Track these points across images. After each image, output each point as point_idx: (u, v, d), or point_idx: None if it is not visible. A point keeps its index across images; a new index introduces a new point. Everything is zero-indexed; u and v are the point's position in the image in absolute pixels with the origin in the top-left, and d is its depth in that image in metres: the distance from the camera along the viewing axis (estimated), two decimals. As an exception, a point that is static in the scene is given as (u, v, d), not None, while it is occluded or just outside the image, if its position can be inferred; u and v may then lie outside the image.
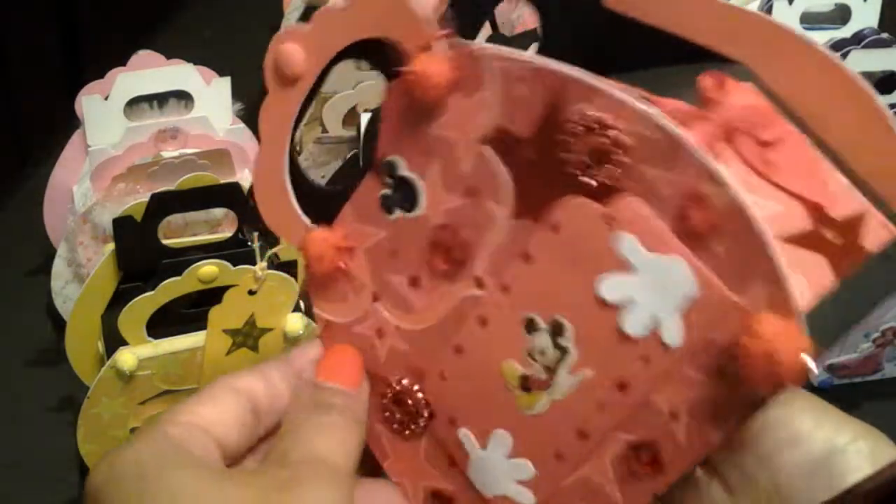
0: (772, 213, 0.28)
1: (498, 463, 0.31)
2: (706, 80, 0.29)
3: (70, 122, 0.64)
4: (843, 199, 0.28)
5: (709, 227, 0.26)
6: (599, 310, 0.28)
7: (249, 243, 0.56)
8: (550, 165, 0.28)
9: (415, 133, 0.31)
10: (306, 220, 0.34)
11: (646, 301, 0.27)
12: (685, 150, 0.26)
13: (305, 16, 0.81)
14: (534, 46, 0.75)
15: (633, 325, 0.28)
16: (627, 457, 0.29)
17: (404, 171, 0.31)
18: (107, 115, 0.62)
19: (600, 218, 0.27)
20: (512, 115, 0.29)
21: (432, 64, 0.29)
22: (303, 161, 0.69)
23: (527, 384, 0.30)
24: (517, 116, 0.29)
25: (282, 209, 0.34)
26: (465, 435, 0.32)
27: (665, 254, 0.27)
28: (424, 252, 0.32)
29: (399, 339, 0.33)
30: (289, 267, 0.57)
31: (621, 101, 0.27)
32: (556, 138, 0.28)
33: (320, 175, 0.69)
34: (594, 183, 0.28)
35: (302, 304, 0.58)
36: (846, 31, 0.76)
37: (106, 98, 0.61)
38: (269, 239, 0.57)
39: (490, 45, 0.28)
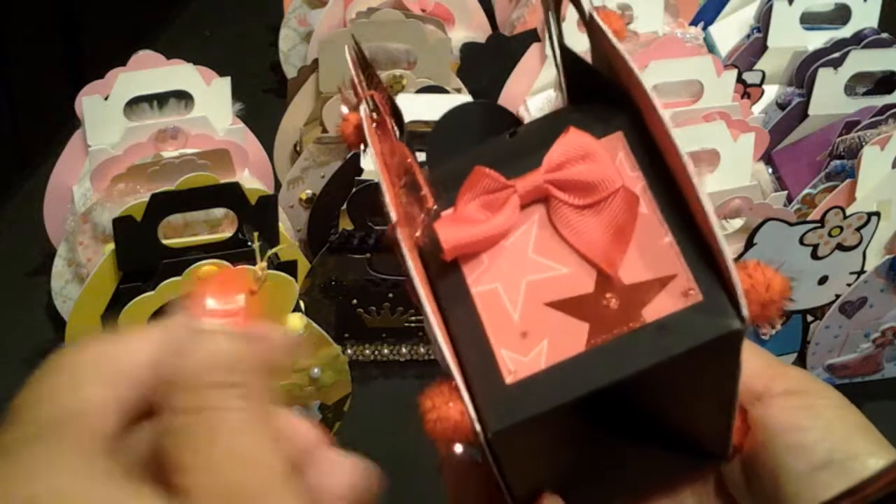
0: (553, 276, 0.30)
1: None
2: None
3: (70, 122, 0.64)
4: (645, 264, 0.29)
5: None
6: None
7: (249, 243, 0.56)
8: None
9: None
10: None
11: None
12: None
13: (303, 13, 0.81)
14: (534, 46, 0.75)
15: None
16: None
17: None
18: (107, 115, 0.62)
19: None
20: None
21: (347, 123, 0.33)
22: (303, 161, 0.69)
23: None
24: None
25: None
26: None
27: None
28: None
29: None
30: (289, 267, 0.57)
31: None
32: None
33: (320, 175, 0.69)
34: None
35: (302, 304, 0.58)
36: (846, 31, 0.76)
37: (106, 98, 0.61)
38: (270, 239, 0.57)
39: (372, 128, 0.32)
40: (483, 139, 0.33)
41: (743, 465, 0.33)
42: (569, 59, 0.33)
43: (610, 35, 0.30)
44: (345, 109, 0.33)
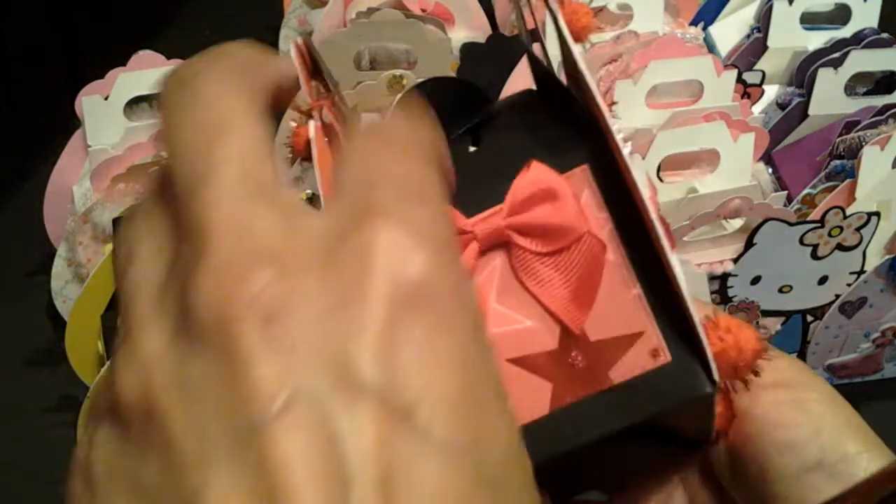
0: (516, 329, 0.28)
1: None
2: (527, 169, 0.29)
3: (70, 122, 0.64)
4: (611, 319, 0.27)
5: None
6: None
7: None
8: None
9: None
10: None
11: None
12: None
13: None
14: (534, 46, 0.75)
15: None
16: None
17: None
18: (107, 115, 0.62)
19: None
20: None
21: (298, 138, 0.31)
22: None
23: None
24: None
25: None
26: None
27: None
28: None
29: None
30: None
31: None
32: None
33: (320, 175, 0.69)
34: None
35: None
36: (846, 31, 0.76)
37: (106, 98, 0.61)
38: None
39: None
40: (450, 119, 0.31)
41: (729, 455, 0.32)
42: (536, 68, 0.31)
43: (574, 50, 0.28)
44: (293, 123, 0.31)
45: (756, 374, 0.28)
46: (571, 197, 0.28)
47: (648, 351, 0.27)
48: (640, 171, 0.27)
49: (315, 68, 0.31)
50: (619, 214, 0.28)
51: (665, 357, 0.27)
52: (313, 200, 0.69)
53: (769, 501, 0.30)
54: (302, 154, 0.32)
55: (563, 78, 0.32)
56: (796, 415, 0.31)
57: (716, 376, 0.27)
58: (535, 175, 0.28)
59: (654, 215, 0.26)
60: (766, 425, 0.31)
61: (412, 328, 0.18)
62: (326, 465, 0.17)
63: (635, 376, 0.27)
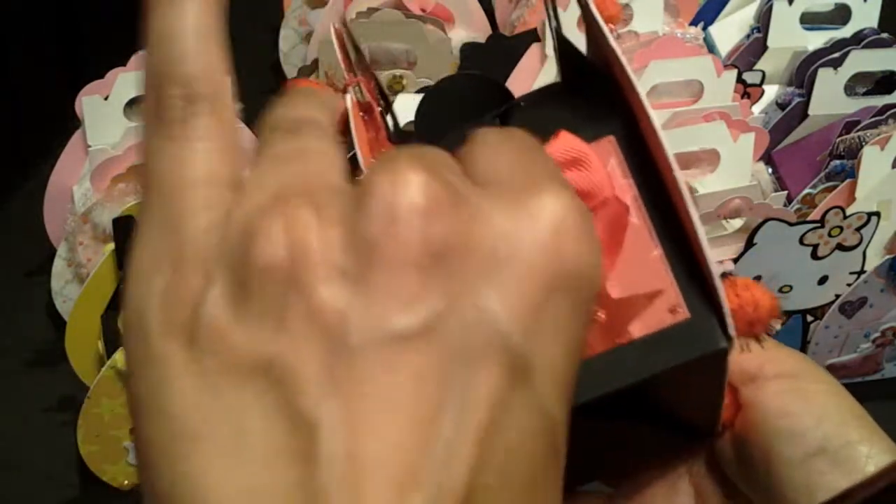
0: None
1: None
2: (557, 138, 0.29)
3: (70, 122, 0.64)
4: (633, 278, 0.28)
5: None
6: None
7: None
8: None
9: None
10: None
11: None
12: None
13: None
14: (534, 46, 0.75)
15: None
16: None
17: None
18: (107, 115, 0.62)
19: None
20: None
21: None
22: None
23: None
24: None
25: None
26: None
27: None
28: None
29: None
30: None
31: None
32: None
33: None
34: None
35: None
36: (846, 31, 0.76)
37: (106, 98, 0.62)
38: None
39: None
40: (473, 114, 0.32)
41: (734, 445, 0.33)
42: (565, 50, 0.32)
43: (605, 29, 0.29)
44: None
45: (769, 333, 0.29)
46: (598, 163, 0.29)
47: (668, 307, 0.28)
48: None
49: (353, 45, 0.32)
50: (643, 182, 0.29)
51: (684, 313, 0.28)
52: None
53: (774, 488, 0.31)
54: (337, 127, 0.33)
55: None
56: (800, 403, 0.31)
57: (732, 332, 0.27)
58: (563, 143, 0.29)
59: (678, 174, 0.27)
60: (770, 414, 0.31)
61: (560, 306, 0.20)
62: (440, 393, 0.19)
63: (654, 331, 0.28)
